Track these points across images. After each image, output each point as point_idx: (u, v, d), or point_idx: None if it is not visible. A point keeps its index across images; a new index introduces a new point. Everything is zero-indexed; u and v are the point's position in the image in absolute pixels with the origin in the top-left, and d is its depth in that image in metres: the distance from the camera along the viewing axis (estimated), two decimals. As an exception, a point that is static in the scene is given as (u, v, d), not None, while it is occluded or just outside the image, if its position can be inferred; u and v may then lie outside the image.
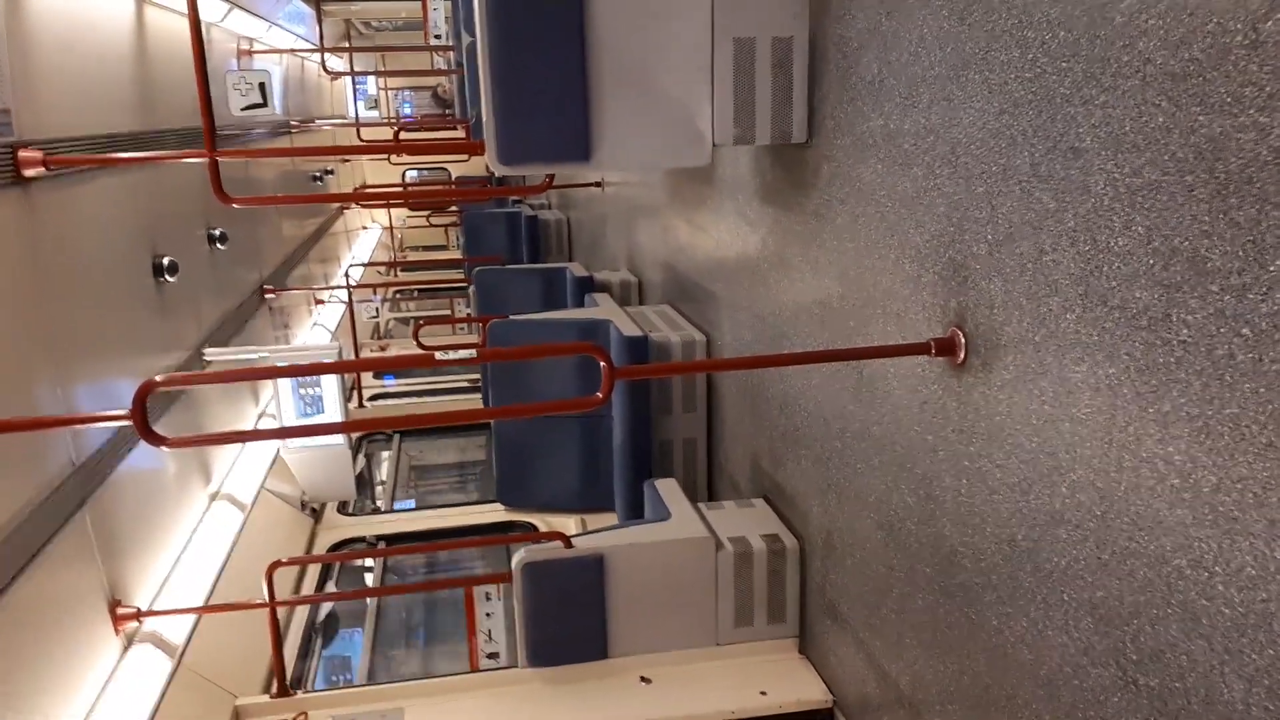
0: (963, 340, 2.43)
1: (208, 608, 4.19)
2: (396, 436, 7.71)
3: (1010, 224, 2.18)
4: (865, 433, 3.10)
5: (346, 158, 14.16)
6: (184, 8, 3.38)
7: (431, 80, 16.93)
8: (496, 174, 3.29)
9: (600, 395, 2.39)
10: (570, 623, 3.68)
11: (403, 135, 10.24)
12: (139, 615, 3.88)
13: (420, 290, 14.13)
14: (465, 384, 8.85)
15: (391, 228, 15.86)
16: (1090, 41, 1.87)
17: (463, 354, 2.67)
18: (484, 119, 3.20)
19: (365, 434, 7.59)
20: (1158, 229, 1.74)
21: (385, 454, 7.81)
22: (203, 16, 6.58)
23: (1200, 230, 1.64)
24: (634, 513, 4.88)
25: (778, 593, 3.79)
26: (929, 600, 2.77)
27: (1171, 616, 1.78)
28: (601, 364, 2.36)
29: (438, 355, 2.66)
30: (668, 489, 4.16)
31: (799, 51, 3.22)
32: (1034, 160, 2.08)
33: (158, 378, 2.30)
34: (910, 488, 2.82)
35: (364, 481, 7.28)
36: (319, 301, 9.67)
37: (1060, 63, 1.96)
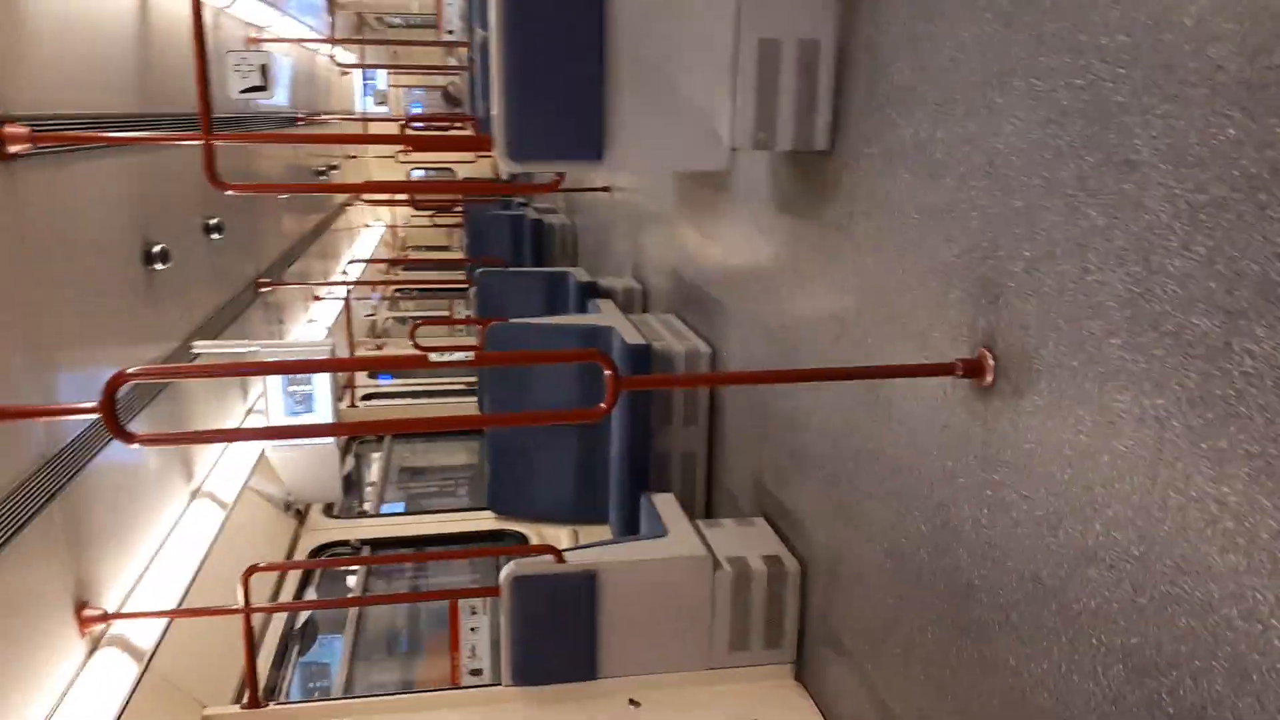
0: (992, 362, 2.29)
1: (179, 612, 4.02)
2: (387, 438, 7.55)
3: (1051, 241, 2.05)
4: (879, 455, 2.96)
5: (352, 152, 14.01)
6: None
7: (443, 78, 16.83)
8: (505, 170, 3.15)
9: (604, 406, 2.24)
10: (558, 640, 3.53)
11: (410, 131, 10.12)
12: (106, 617, 3.71)
13: (420, 290, 13.99)
14: (462, 386, 8.69)
15: (395, 226, 15.74)
16: (1153, 46, 1.73)
17: (460, 356, 2.51)
18: (495, 112, 3.07)
19: (354, 435, 7.42)
20: (1222, 250, 1.60)
21: (376, 455, 7.64)
22: (210, 1, 6.47)
23: (1273, 253, 1.50)
24: (629, 527, 4.72)
25: (776, 617, 3.64)
26: (940, 635, 2.62)
27: (1217, 670, 1.64)
28: (606, 373, 2.22)
29: (434, 357, 2.51)
30: (665, 504, 4.02)
31: (826, 55, 3.09)
32: (1082, 173, 1.94)
33: (130, 369, 2.14)
34: (925, 515, 2.68)
35: (352, 482, 7.11)
36: (316, 298, 9.51)
37: (1117, 69, 1.82)
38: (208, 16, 3.25)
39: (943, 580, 2.59)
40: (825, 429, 3.37)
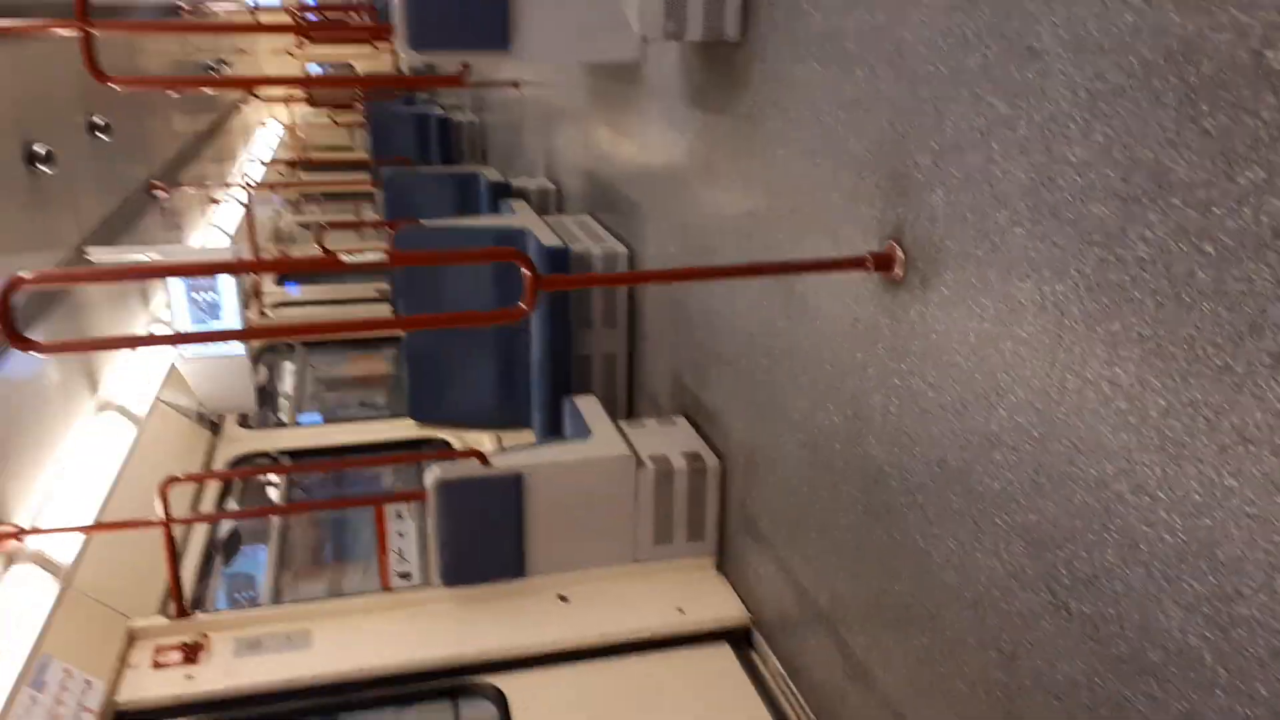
0: (901, 255, 2.32)
1: (96, 526, 3.94)
2: (301, 347, 7.37)
3: (958, 131, 2.06)
4: (792, 350, 3.01)
5: (242, 45, 13.23)
6: None
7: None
8: (408, 62, 3.02)
9: (524, 306, 2.22)
10: (487, 542, 3.57)
11: (304, 20, 9.56)
12: (19, 534, 3.61)
13: (325, 195, 13.50)
14: (374, 295, 8.51)
15: (294, 127, 15.04)
16: (1058, -69, 1.72)
17: (372, 257, 2.45)
18: (394, 3, 2.92)
19: (266, 344, 7.23)
20: (1119, 138, 1.63)
21: (289, 365, 7.48)
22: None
23: (1166, 139, 1.54)
24: (552, 429, 4.75)
25: (698, 511, 3.74)
26: (852, 519, 2.73)
27: (1109, 542, 1.74)
28: (525, 273, 2.18)
29: (346, 259, 2.44)
30: (588, 406, 4.04)
31: (735, -59, 3.00)
32: (987, 62, 1.95)
33: (25, 274, 2.02)
34: (837, 406, 2.75)
35: (267, 395, 6.96)
36: (214, 202, 9.10)
37: (1023, -46, 1.81)
38: None
39: (855, 468, 2.68)
40: (741, 327, 3.40)
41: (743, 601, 3.63)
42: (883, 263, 2.38)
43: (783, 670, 3.32)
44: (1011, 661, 2.05)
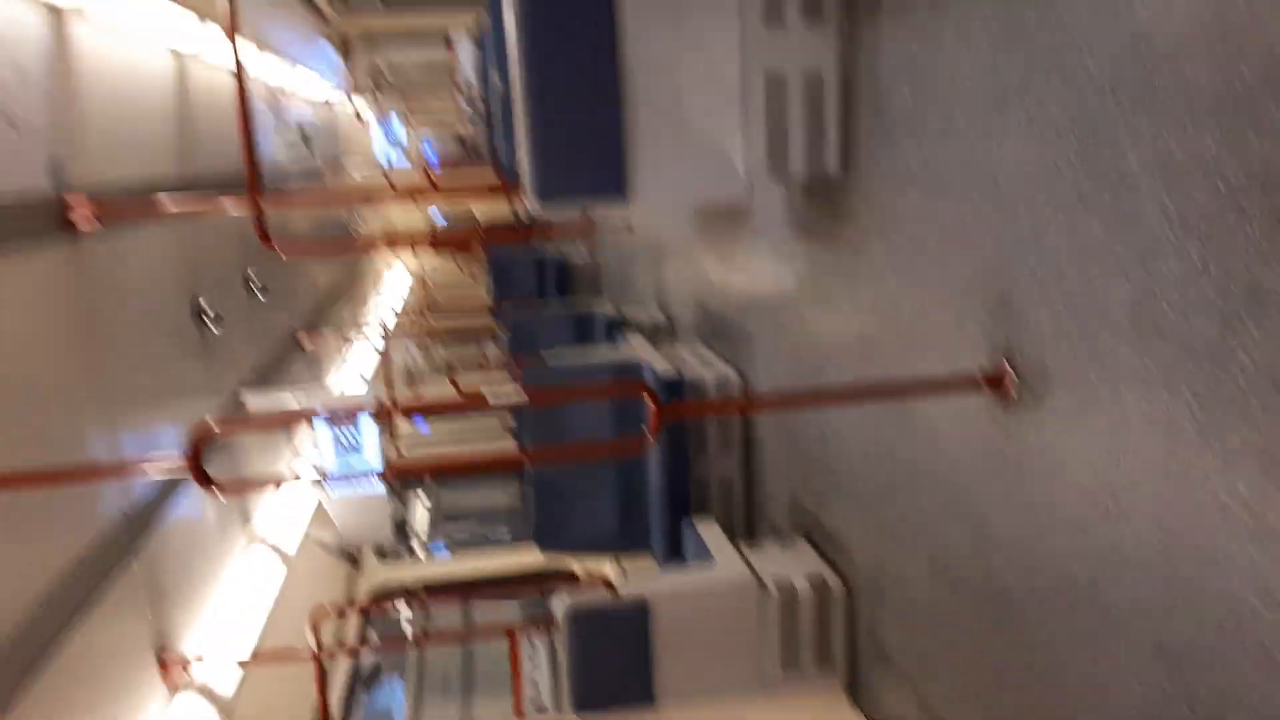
0: (1012, 374, 2.38)
1: (255, 659, 4.17)
2: (432, 482, 7.70)
3: (1057, 254, 2.15)
4: (911, 470, 3.04)
5: (375, 204, 14.30)
6: (219, 61, 3.44)
7: (456, 120, 17.13)
8: (533, 214, 3.29)
9: (649, 436, 2.36)
10: (616, 670, 3.62)
11: (432, 179, 10.33)
12: (186, 664, 3.87)
13: (451, 334, 14.20)
14: (497, 427, 8.85)
15: (422, 276, 16.00)
16: (1134, 68, 1.84)
17: (511, 397, 2.64)
18: (522, 159, 3.22)
19: (401, 481, 7.59)
20: (1213, 256, 1.69)
21: (419, 500, 7.80)
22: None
23: (1258, 255, 1.59)
24: (673, 554, 4.81)
25: (824, 636, 3.71)
26: (984, 643, 2.69)
27: (1246, 657, 1.71)
28: (649, 404, 2.33)
29: (490, 400, 2.64)
30: (708, 530, 4.11)
31: (830, 84, 3.21)
32: (1080, 190, 2.04)
33: (211, 423, 2.29)
34: (961, 526, 2.76)
35: (400, 528, 7.27)
36: (352, 346, 9.73)
37: (1104, 90, 1.93)
38: (235, 79, 3.44)
39: (983, 589, 2.66)
40: (857, 447, 3.46)
41: (876, 729, 3.54)
42: (994, 382, 2.43)
43: (922, 802, 3.21)
44: (1160, 788, 1.98)
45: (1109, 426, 2.03)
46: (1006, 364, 2.40)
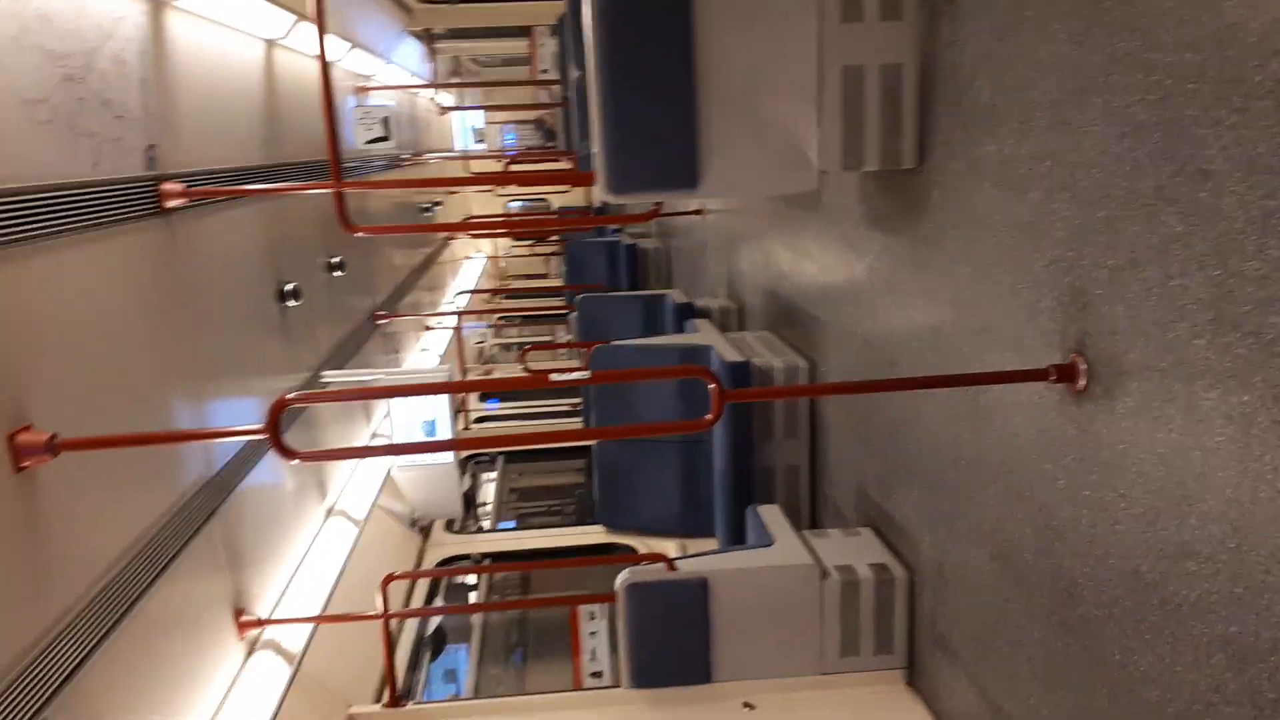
0: (1084, 367, 2.38)
1: (325, 617, 4.36)
2: (500, 459, 7.89)
3: (1134, 249, 2.14)
4: (979, 461, 3.05)
5: (455, 189, 14.59)
6: (307, 49, 3.59)
7: (536, 112, 17.36)
8: (606, 203, 3.37)
9: (710, 417, 2.42)
10: (674, 645, 3.70)
11: (512, 169, 10.51)
12: (261, 623, 4.06)
13: (523, 317, 14.45)
14: (566, 409, 9.00)
15: (496, 257, 16.27)
16: (1220, 62, 1.83)
17: (575, 376, 2.73)
18: (595, 151, 3.30)
19: (470, 456, 7.78)
20: (1295, 252, 1.69)
21: (488, 476, 7.99)
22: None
23: (1342, 253, 1.59)
24: (735, 538, 4.87)
25: (885, 623, 3.73)
26: (1046, 634, 2.70)
27: (1313, 655, 1.71)
28: (711, 386, 2.40)
29: (552, 377, 2.73)
30: (771, 515, 4.15)
31: (908, 78, 3.22)
32: (1159, 184, 2.04)
33: (289, 395, 2.43)
34: (1027, 518, 2.76)
35: (468, 502, 7.46)
36: (427, 328, 9.98)
37: (1187, 84, 1.92)
38: (319, 69, 3.59)
39: (1048, 580, 2.67)
40: (927, 439, 3.47)
41: (934, 718, 3.56)
42: (1066, 374, 2.44)
43: (977, 793, 3.23)
44: (1220, 783, 1.98)
45: (1182, 421, 2.03)
46: (1078, 357, 2.40)
